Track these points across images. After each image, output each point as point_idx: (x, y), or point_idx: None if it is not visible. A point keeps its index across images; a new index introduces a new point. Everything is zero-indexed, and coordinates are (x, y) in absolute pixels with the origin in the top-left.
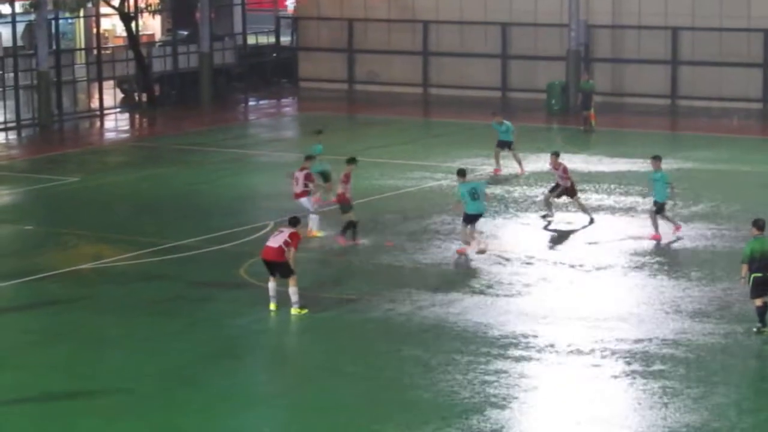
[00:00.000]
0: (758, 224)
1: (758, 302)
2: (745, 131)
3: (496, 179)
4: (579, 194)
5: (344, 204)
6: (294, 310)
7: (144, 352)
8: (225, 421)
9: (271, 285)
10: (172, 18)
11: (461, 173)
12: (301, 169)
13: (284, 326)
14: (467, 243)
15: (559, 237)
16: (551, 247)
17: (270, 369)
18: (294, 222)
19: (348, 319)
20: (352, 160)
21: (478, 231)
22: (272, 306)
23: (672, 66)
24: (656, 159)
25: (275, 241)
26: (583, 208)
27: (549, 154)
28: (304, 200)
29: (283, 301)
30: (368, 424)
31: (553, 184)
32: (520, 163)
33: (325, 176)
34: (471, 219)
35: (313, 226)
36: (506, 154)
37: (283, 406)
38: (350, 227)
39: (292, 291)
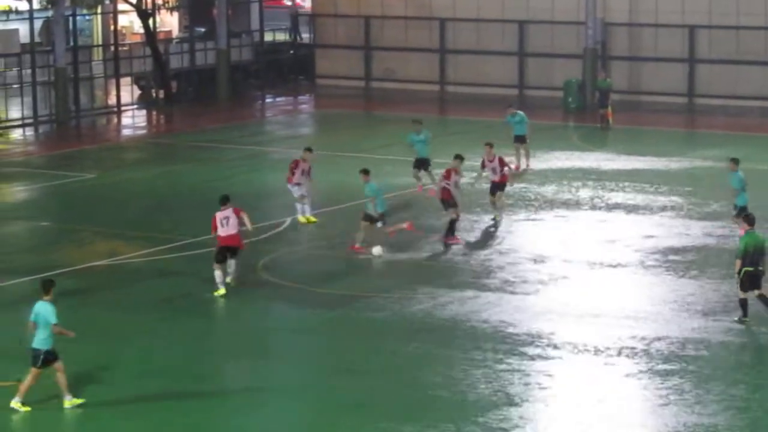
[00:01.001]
0: (749, 219)
1: (744, 295)
2: (763, 129)
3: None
4: (502, 193)
5: (447, 201)
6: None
7: (158, 349)
8: (240, 419)
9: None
10: (190, 15)
11: (366, 172)
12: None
13: (300, 323)
14: (364, 241)
15: (573, 235)
16: (566, 245)
17: (286, 366)
18: (225, 200)
19: (364, 316)
20: (458, 157)
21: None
22: (221, 291)
23: (689, 64)
24: (733, 161)
25: (231, 228)
26: (496, 206)
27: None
28: (292, 188)
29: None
30: (385, 422)
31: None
32: (527, 158)
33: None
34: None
35: (306, 211)
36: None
37: (300, 404)
38: (452, 226)
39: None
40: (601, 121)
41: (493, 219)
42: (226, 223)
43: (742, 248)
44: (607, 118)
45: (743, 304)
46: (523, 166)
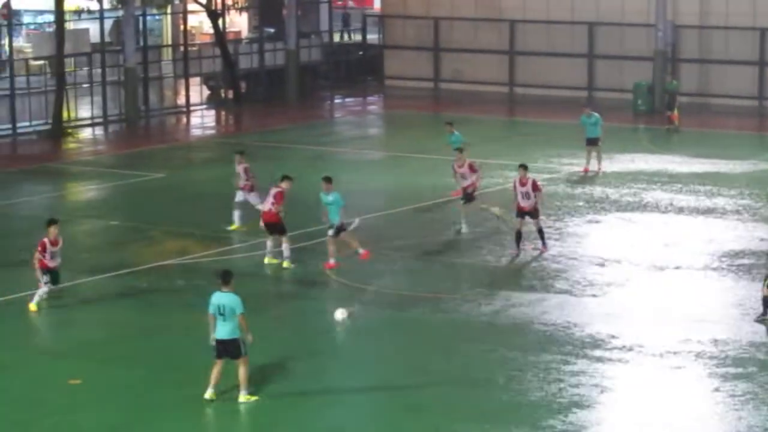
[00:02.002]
0: None
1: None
2: None
3: (575, 179)
4: (470, 202)
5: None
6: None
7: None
8: (309, 418)
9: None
10: (259, 15)
11: (328, 180)
12: (239, 163)
13: (367, 324)
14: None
15: (639, 238)
16: (632, 248)
17: (353, 367)
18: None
19: (431, 318)
20: (523, 166)
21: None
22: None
23: (759, 67)
24: None
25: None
26: (464, 215)
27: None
28: (249, 195)
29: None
30: (449, 423)
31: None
32: (599, 161)
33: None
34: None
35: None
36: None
37: (367, 404)
38: (540, 234)
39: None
40: (668, 124)
41: (458, 226)
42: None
43: None
44: (673, 121)
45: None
46: (593, 168)
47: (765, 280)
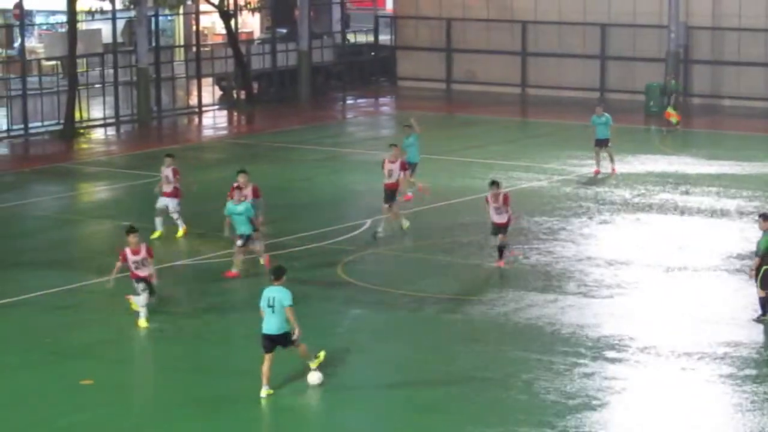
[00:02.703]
0: (766, 217)
1: (763, 293)
2: None
3: (587, 180)
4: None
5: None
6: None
7: (240, 349)
8: (323, 419)
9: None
10: (272, 16)
11: (239, 188)
12: (168, 166)
13: (381, 324)
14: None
15: (652, 239)
16: (644, 250)
17: (368, 367)
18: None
19: (443, 318)
20: (495, 183)
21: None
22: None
23: None
24: None
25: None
26: (391, 219)
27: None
28: (171, 201)
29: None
30: (462, 424)
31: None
32: (612, 162)
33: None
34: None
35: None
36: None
37: (381, 404)
38: (500, 250)
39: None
40: (667, 124)
41: (377, 232)
42: None
43: (764, 247)
44: (667, 119)
45: (764, 303)
46: (606, 170)
47: (758, 281)
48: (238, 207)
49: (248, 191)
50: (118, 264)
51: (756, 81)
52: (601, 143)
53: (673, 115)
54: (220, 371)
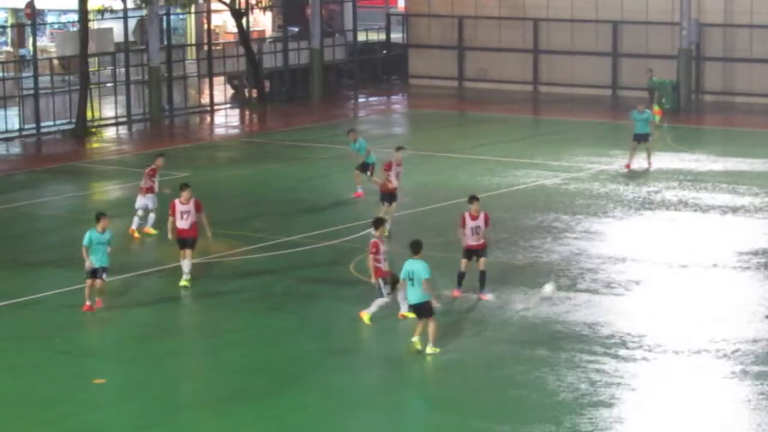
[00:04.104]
0: None
1: None
2: None
3: (599, 177)
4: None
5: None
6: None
7: (252, 347)
8: (336, 418)
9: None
10: (283, 14)
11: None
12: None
13: (388, 324)
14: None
15: (665, 236)
16: (654, 247)
17: (375, 366)
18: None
19: (454, 317)
20: (475, 198)
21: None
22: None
23: None
24: None
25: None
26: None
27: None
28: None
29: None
30: (478, 421)
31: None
32: (649, 158)
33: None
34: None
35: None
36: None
37: (390, 403)
38: (482, 278)
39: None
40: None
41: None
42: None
43: None
44: (657, 117)
45: None
46: (641, 166)
47: None
48: (104, 235)
49: (191, 206)
50: (371, 259)
51: None
52: (640, 138)
53: (656, 112)
54: (233, 369)
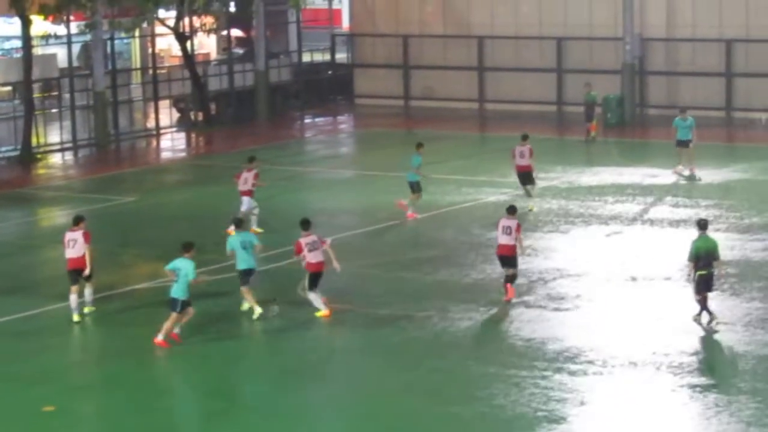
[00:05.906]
0: (700, 224)
1: (698, 297)
2: None
3: (548, 193)
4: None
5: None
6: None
7: (202, 371)
8: None
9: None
10: (228, 36)
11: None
12: (249, 170)
13: (343, 343)
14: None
15: (612, 250)
16: (602, 261)
17: (329, 386)
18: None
19: (405, 335)
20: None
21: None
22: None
23: (726, 78)
24: None
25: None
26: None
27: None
28: (246, 199)
29: (343, 321)
30: None
31: None
32: (691, 162)
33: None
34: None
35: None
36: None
37: (345, 424)
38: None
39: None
40: (586, 135)
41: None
42: (312, 248)
43: (693, 252)
44: (591, 132)
45: (704, 304)
46: (685, 172)
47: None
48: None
49: (79, 235)
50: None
51: (711, 91)
52: (683, 144)
53: (594, 127)
54: (189, 393)
